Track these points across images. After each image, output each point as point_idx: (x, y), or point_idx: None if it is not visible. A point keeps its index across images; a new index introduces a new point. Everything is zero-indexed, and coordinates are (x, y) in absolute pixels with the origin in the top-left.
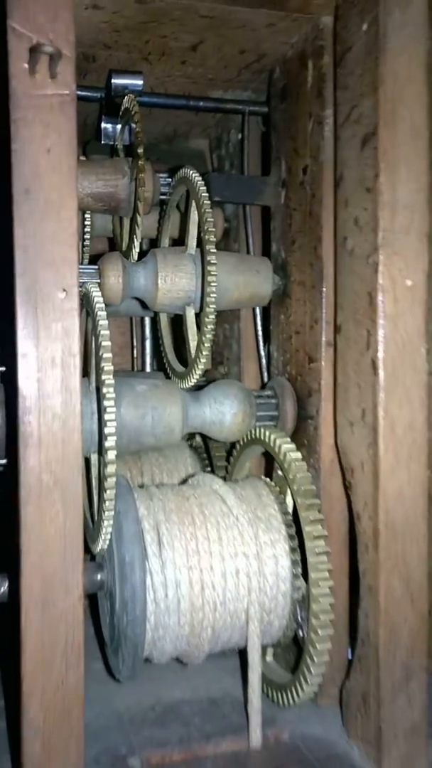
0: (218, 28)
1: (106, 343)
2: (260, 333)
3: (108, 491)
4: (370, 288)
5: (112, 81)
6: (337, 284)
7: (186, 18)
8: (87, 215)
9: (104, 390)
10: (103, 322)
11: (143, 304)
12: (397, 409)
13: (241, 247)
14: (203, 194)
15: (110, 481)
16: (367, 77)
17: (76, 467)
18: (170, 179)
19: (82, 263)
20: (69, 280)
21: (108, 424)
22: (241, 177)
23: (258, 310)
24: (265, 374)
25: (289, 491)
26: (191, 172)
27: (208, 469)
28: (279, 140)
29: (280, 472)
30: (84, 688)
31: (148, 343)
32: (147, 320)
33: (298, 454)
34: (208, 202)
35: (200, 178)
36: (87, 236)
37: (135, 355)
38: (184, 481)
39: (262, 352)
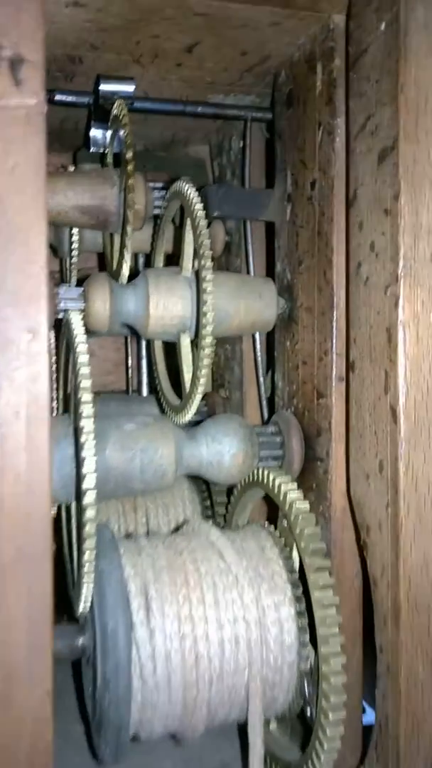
0: (216, 28)
1: (86, 383)
2: (260, 359)
3: (87, 552)
4: (388, 323)
5: (100, 87)
6: (350, 314)
7: (180, 16)
8: (75, 230)
9: (83, 438)
10: (83, 358)
11: (133, 330)
12: (420, 463)
13: (242, 263)
14: (199, 212)
15: (89, 542)
16: (385, 83)
17: (44, 537)
18: (165, 191)
19: (69, 282)
20: (37, 319)
21: (86, 479)
22: (243, 190)
23: (258, 334)
24: (265, 403)
25: (295, 545)
26: (186, 186)
27: (208, 502)
28: (284, 150)
29: (285, 522)
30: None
31: (144, 362)
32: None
33: (306, 505)
34: (205, 221)
35: (196, 194)
36: (74, 252)
37: (130, 375)
38: (176, 529)
39: (262, 380)
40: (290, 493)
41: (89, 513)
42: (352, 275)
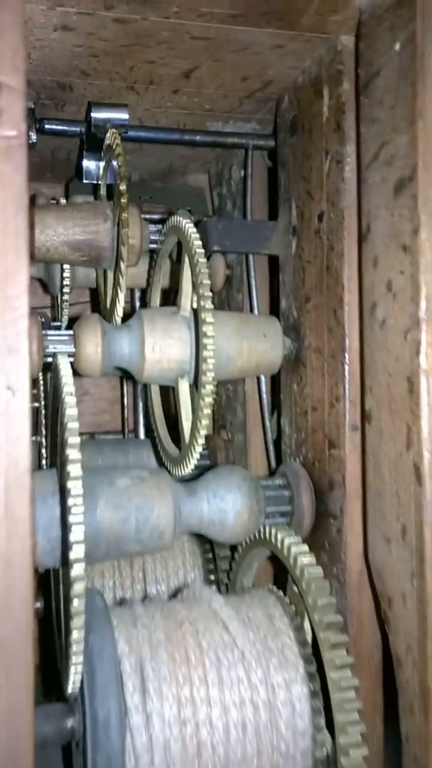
0: (215, 52)
1: (74, 439)
2: (265, 401)
3: (75, 632)
4: (409, 372)
5: (92, 115)
6: (364, 358)
7: (176, 40)
8: (66, 265)
9: (71, 502)
10: (71, 411)
11: (128, 373)
12: None
13: (244, 298)
14: (197, 248)
15: (77, 620)
16: (400, 108)
17: (25, 621)
18: (162, 224)
19: (60, 319)
20: (17, 375)
21: (74, 549)
22: (244, 223)
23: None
24: (271, 449)
25: (307, 614)
26: (183, 220)
27: (210, 555)
28: (289, 180)
29: (295, 588)
30: None
31: (141, 401)
32: None
33: (318, 571)
34: (204, 258)
35: (194, 228)
36: (66, 289)
37: (126, 415)
38: (176, 593)
39: (268, 424)
40: (301, 556)
41: (77, 588)
42: (367, 316)
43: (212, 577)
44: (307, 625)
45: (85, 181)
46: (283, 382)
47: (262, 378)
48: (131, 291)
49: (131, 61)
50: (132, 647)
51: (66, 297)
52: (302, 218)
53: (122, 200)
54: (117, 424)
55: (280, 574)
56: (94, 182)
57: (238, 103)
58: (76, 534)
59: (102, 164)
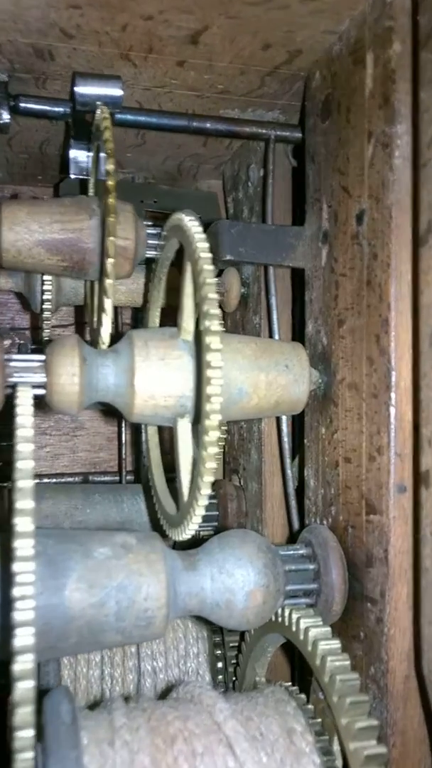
0: (229, 5)
1: (26, 503)
2: (286, 444)
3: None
4: None
5: (77, 90)
6: (420, 400)
7: None
8: (47, 276)
9: (17, 592)
10: (25, 465)
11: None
12: None
13: (261, 321)
14: (202, 253)
15: (23, 758)
16: None
17: None
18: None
19: (44, 343)
20: None
21: (18, 638)
22: (264, 227)
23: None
24: (293, 503)
25: (337, 735)
26: (185, 218)
27: (216, 625)
28: (319, 176)
29: (321, 694)
30: None
31: (143, 437)
32: None
33: (354, 680)
34: (210, 266)
35: (198, 228)
36: (47, 305)
37: (124, 453)
38: (167, 691)
39: (289, 473)
40: (332, 659)
41: (22, 736)
42: (424, 345)
43: (218, 652)
44: (337, 743)
45: (72, 175)
46: (309, 424)
47: (283, 417)
48: (135, 312)
49: (124, 15)
50: None
51: (47, 315)
52: (336, 221)
53: (110, 183)
54: (114, 464)
55: (299, 660)
56: (83, 176)
57: (259, 82)
58: (22, 636)
59: (92, 154)
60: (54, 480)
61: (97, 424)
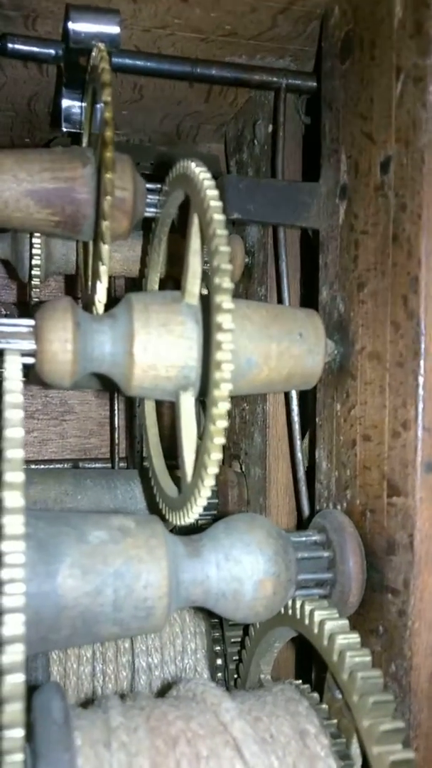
0: None
1: (16, 477)
2: (296, 423)
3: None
4: None
5: (70, 26)
6: None
7: None
8: (36, 238)
9: (5, 574)
10: (14, 433)
11: (111, 383)
12: None
13: (269, 292)
14: (213, 202)
15: (11, 761)
16: None
17: None
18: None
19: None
20: None
21: (7, 626)
22: (274, 182)
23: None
24: (303, 489)
25: (357, 736)
26: (194, 165)
27: (216, 619)
28: (338, 124)
29: (338, 693)
30: None
31: (136, 422)
32: None
33: (377, 678)
34: (221, 216)
35: (208, 175)
36: (36, 271)
37: (117, 439)
38: (166, 689)
39: (299, 455)
40: (351, 654)
41: (9, 737)
42: None
43: (218, 648)
44: (355, 746)
45: (65, 129)
46: (322, 400)
47: (293, 394)
48: (124, 282)
49: None
50: None
51: (36, 283)
52: (356, 173)
53: (108, 134)
54: (106, 450)
55: (306, 656)
56: (76, 131)
57: (270, 22)
58: (12, 624)
59: (86, 105)
60: (42, 467)
61: (87, 408)
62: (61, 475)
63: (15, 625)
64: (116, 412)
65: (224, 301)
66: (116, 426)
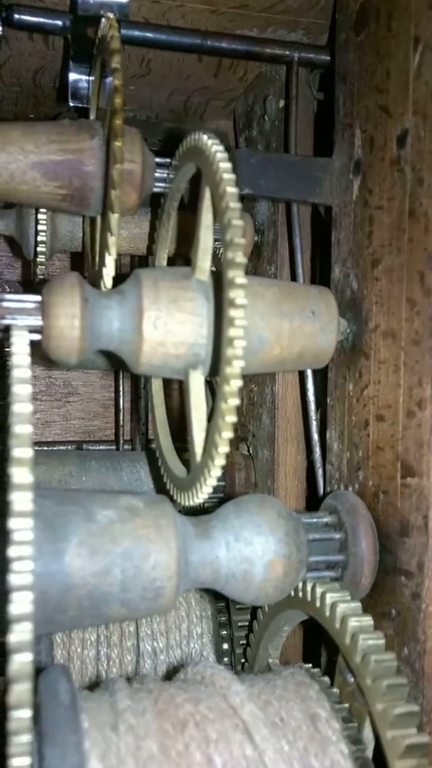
0: None
1: (24, 452)
2: (312, 403)
3: (16, 742)
4: None
5: None
6: None
7: None
8: (42, 214)
9: (15, 552)
10: (21, 408)
11: (119, 360)
12: None
13: (279, 272)
14: (226, 174)
15: (19, 742)
16: None
17: None
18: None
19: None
20: None
21: (15, 604)
22: (286, 157)
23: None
24: (319, 471)
25: (368, 717)
26: (206, 138)
27: (222, 603)
28: (352, 98)
29: (350, 677)
30: None
31: (141, 404)
32: None
33: (391, 660)
34: (234, 189)
35: (221, 149)
36: (42, 248)
37: (122, 420)
38: (173, 672)
39: (315, 437)
40: (364, 637)
41: (17, 718)
42: None
43: (224, 632)
44: (368, 730)
45: (71, 103)
46: (333, 380)
47: (309, 374)
48: (129, 261)
49: None
50: (110, 766)
51: (41, 259)
52: (371, 147)
53: (117, 102)
54: (111, 432)
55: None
56: (83, 105)
57: None
58: (20, 602)
59: (93, 78)
60: (45, 449)
61: (91, 390)
62: (65, 457)
63: (23, 603)
64: (122, 393)
65: (237, 276)
66: (121, 408)
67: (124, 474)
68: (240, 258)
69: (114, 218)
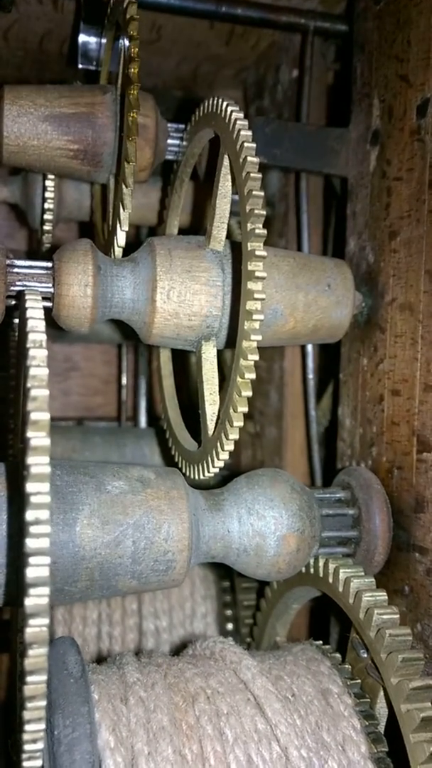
0: None
1: (42, 416)
2: (311, 379)
3: (29, 711)
4: None
5: None
6: None
7: None
8: (49, 180)
9: (30, 516)
10: (38, 372)
11: (130, 330)
12: None
13: (289, 245)
14: (247, 143)
15: (33, 690)
16: None
17: None
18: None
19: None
20: None
21: (32, 568)
22: (302, 127)
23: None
24: (316, 448)
25: (381, 692)
26: (224, 103)
27: (227, 582)
28: (371, 67)
29: (363, 652)
30: None
31: (143, 380)
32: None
33: (406, 635)
34: (255, 159)
35: (241, 115)
36: (49, 215)
37: (124, 397)
38: (177, 651)
39: (312, 413)
40: (379, 612)
41: (32, 683)
42: None
43: (229, 612)
44: (380, 706)
45: (81, 64)
46: (347, 355)
47: (309, 349)
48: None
49: None
50: (121, 738)
51: (47, 228)
52: (390, 117)
53: (134, 50)
54: (112, 409)
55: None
56: (92, 68)
57: None
58: (36, 566)
59: (104, 41)
60: None
61: (92, 365)
62: (68, 431)
63: (40, 567)
64: (124, 369)
65: (257, 248)
66: (123, 384)
67: (128, 450)
68: (260, 229)
69: (129, 168)
